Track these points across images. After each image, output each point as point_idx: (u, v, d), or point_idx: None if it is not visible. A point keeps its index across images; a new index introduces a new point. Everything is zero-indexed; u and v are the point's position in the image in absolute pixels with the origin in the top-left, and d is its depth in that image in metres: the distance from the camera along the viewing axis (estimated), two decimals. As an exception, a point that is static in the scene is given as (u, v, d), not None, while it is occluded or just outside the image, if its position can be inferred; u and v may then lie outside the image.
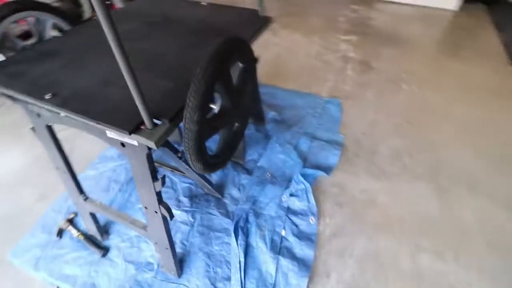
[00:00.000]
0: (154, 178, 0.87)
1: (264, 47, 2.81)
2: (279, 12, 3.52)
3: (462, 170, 1.67)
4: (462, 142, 1.83)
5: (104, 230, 1.45)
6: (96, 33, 1.09)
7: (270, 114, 2.02)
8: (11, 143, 1.91)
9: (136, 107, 0.64)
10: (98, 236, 1.42)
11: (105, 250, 1.39)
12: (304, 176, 1.60)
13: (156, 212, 0.99)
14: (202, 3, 1.36)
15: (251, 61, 0.88)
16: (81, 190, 1.24)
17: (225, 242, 1.39)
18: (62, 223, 1.48)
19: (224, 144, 0.90)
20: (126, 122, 0.69)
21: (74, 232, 1.44)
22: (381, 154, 1.78)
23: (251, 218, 1.46)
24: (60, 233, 1.46)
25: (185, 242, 1.40)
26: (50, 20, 1.08)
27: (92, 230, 1.41)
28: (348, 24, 3.21)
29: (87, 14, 3.40)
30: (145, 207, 1.00)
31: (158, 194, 0.93)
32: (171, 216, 1.00)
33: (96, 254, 1.38)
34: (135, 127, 0.68)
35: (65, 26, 1.17)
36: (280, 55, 2.72)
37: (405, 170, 1.69)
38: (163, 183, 0.90)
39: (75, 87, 0.80)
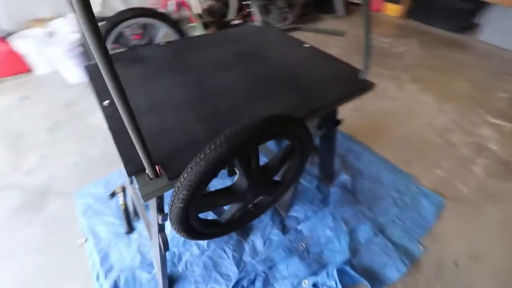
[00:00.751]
0: (159, 211, 0.83)
1: (378, 97, 2.44)
2: (419, 61, 2.99)
3: None
4: None
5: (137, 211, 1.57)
6: (189, 51, 1.13)
7: (343, 177, 1.72)
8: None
9: (162, 148, 0.59)
10: (132, 214, 1.56)
11: (130, 230, 1.51)
12: (341, 273, 1.27)
13: (155, 236, 0.96)
14: (305, 45, 1.23)
15: (303, 142, 0.70)
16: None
17: (221, 292, 1.26)
18: (117, 187, 1.70)
19: (232, 216, 0.77)
20: (137, 161, 0.65)
21: (120, 199, 1.63)
22: (469, 305, 1.23)
23: (258, 284, 1.27)
24: (112, 195, 1.68)
25: (188, 266, 1.35)
26: (163, 28, 1.21)
27: (131, 207, 1.55)
28: (507, 104, 2.40)
29: (230, 16, 3.84)
30: (149, 224, 0.99)
31: (160, 226, 0.89)
32: (166, 248, 0.95)
33: (123, 228, 1.51)
34: (138, 170, 0.63)
35: (173, 36, 1.31)
36: (393, 112, 2.30)
37: None
38: (165, 219, 0.85)
39: (132, 99, 0.84)
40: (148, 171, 0.61)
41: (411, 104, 2.39)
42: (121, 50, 1.30)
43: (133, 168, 0.64)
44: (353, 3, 4.60)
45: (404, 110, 2.32)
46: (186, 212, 0.58)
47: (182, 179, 0.54)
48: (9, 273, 1.33)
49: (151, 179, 0.62)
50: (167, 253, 1.29)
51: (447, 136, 2.06)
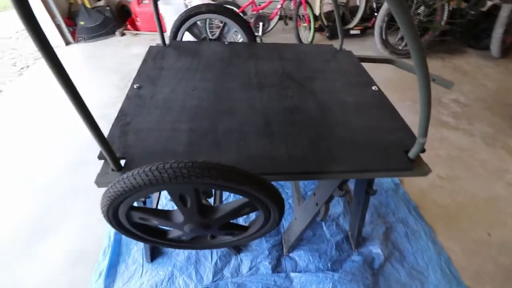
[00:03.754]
0: None
1: (491, 177, 1.83)
2: None
3: None
4: None
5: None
6: (242, 57, 1.09)
7: (375, 249, 1.41)
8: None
9: (140, 145, 0.61)
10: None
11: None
12: None
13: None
14: (373, 87, 1.00)
15: (265, 203, 0.58)
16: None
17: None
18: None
19: (178, 237, 0.73)
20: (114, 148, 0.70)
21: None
22: None
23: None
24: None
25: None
26: (233, 28, 1.21)
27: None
28: None
29: (351, 24, 3.56)
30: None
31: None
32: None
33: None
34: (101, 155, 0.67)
35: (243, 37, 1.28)
36: (500, 205, 1.68)
37: None
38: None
39: (156, 90, 0.89)
40: (110, 162, 0.64)
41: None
42: (192, 40, 1.38)
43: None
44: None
45: (517, 208, 1.66)
46: (114, 214, 0.59)
47: (110, 185, 0.54)
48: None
49: (112, 170, 0.66)
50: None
51: None
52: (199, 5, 1.17)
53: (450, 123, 2.31)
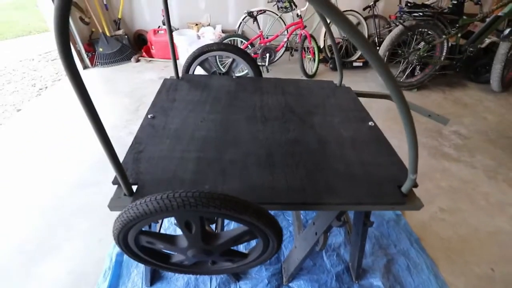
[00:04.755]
0: None
1: (493, 211, 1.82)
2: None
3: None
4: None
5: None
6: (247, 92, 1.17)
7: (375, 281, 1.39)
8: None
9: (151, 172, 0.67)
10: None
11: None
12: None
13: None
14: (369, 123, 1.06)
15: (263, 231, 0.62)
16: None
17: (185, 316, 1.27)
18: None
19: (180, 261, 0.76)
20: (130, 173, 0.76)
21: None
22: None
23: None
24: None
25: (176, 274, 1.43)
26: (241, 64, 1.32)
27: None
28: None
29: (354, 57, 3.73)
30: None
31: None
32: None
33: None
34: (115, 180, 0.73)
35: (250, 72, 1.40)
36: (504, 240, 1.66)
37: None
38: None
39: (168, 121, 0.97)
40: (123, 187, 0.69)
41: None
42: (203, 74, 1.49)
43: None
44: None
45: (522, 244, 1.63)
46: (124, 238, 0.63)
47: (124, 211, 0.59)
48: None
49: (125, 195, 0.71)
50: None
51: None
52: (211, 44, 1.30)
53: (452, 155, 2.34)
